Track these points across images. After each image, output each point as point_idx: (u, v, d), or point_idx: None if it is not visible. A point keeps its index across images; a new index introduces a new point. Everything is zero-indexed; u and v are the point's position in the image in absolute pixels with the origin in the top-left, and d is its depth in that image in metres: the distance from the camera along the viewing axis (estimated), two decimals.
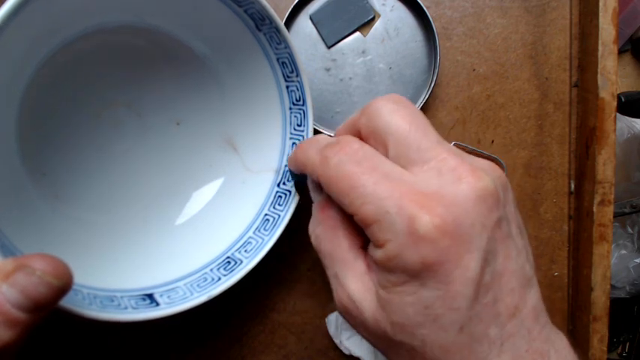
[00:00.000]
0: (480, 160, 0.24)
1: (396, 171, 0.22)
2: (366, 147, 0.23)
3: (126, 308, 0.27)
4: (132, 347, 0.38)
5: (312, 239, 0.27)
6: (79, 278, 0.28)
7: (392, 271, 0.22)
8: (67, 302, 0.26)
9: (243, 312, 0.38)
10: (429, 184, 0.22)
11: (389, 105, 0.24)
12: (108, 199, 0.34)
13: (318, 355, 0.39)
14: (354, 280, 0.24)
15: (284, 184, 0.32)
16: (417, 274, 0.21)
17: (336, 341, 0.38)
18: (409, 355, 0.22)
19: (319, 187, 0.27)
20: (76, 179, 0.32)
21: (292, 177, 0.32)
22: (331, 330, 0.38)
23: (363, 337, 0.25)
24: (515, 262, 0.22)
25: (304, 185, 0.29)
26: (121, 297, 0.28)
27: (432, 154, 0.22)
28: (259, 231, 0.32)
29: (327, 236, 0.25)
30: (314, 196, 0.28)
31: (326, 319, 0.38)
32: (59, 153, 0.32)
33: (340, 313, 0.25)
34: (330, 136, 0.36)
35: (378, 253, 0.22)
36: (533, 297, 0.23)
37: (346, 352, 0.38)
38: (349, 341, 0.38)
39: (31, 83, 0.29)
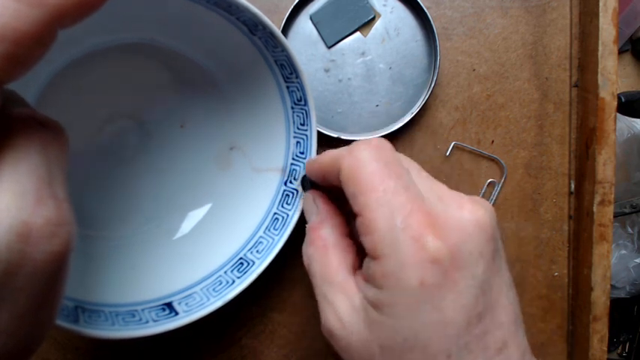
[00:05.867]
0: (471, 196, 0.24)
1: (413, 185, 0.22)
2: (396, 153, 0.23)
3: (147, 322, 0.28)
4: (131, 347, 0.38)
5: (304, 259, 0.27)
6: (99, 297, 0.29)
7: (386, 288, 0.21)
8: (91, 327, 0.27)
9: (243, 312, 0.38)
10: (435, 205, 0.22)
11: (366, 151, 0.23)
12: (114, 211, 0.34)
13: (318, 355, 0.39)
14: (343, 300, 0.23)
15: (290, 182, 0.32)
16: (413, 295, 0.20)
17: None
18: None
19: (314, 206, 0.28)
20: (80, 193, 0.33)
21: (303, 186, 0.32)
22: None
23: None
24: (506, 297, 0.22)
25: (311, 184, 0.30)
26: (142, 310, 0.29)
27: (429, 182, 0.24)
28: (269, 230, 0.32)
29: (318, 256, 0.25)
30: (308, 216, 0.28)
31: None
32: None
33: (326, 336, 0.24)
34: (332, 137, 0.36)
35: (374, 267, 0.22)
36: (521, 335, 0.22)
37: None
38: None
39: (42, 94, 0.29)
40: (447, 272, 0.20)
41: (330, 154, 0.26)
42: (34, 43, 0.15)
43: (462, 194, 0.23)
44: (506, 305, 0.22)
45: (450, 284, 0.20)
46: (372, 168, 0.22)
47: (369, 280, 0.22)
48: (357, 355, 0.23)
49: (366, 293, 0.23)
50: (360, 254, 0.26)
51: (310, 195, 0.29)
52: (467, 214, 0.22)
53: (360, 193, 0.22)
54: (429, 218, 0.21)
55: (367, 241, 0.22)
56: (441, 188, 0.23)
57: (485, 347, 0.21)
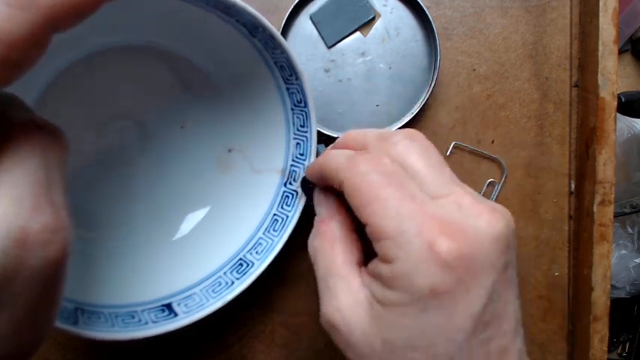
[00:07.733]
0: (493, 203, 0.24)
1: (420, 194, 0.22)
2: (396, 164, 0.23)
3: (146, 323, 0.29)
4: (130, 348, 0.38)
5: (310, 250, 0.27)
6: (99, 299, 0.29)
7: (395, 289, 0.21)
8: (90, 328, 0.27)
9: (243, 312, 0.38)
10: (451, 214, 0.22)
11: (405, 141, 0.24)
12: (114, 212, 0.34)
13: (318, 355, 0.39)
14: (345, 292, 0.24)
15: (290, 184, 0.32)
16: (422, 298, 0.21)
17: None
18: None
19: (325, 200, 0.27)
20: (80, 194, 0.32)
21: (303, 187, 0.32)
22: None
23: (347, 356, 0.24)
24: (512, 306, 0.22)
25: (311, 187, 0.30)
26: (141, 311, 0.29)
27: (451, 189, 0.23)
28: (269, 232, 0.32)
29: (325, 248, 0.26)
30: (318, 209, 0.28)
31: None
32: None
33: (325, 327, 0.24)
34: (332, 136, 0.36)
35: (384, 269, 0.22)
36: (520, 341, 0.23)
37: None
38: None
39: (41, 95, 0.29)
40: (459, 279, 0.20)
41: (330, 162, 0.26)
42: (27, 47, 0.15)
43: (483, 200, 0.23)
44: (510, 314, 0.22)
45: (461, 292, 0.20)
46: (373, 179, 0.22)
47: (378, 278, 0.22)
48: (358, 349, 0.22)
49: (373, 290, 0.23)
50: (367, 249, 0.26)
51: (322, 189, 0.29)
52: (483, 224, 0.22)
53: (366, 204, 0.22)
54: (441, 225, 0.21)
55: (378, 247, 0.22)
56: (461, 194, 0.23)
57: (487, 354, 0.21)
